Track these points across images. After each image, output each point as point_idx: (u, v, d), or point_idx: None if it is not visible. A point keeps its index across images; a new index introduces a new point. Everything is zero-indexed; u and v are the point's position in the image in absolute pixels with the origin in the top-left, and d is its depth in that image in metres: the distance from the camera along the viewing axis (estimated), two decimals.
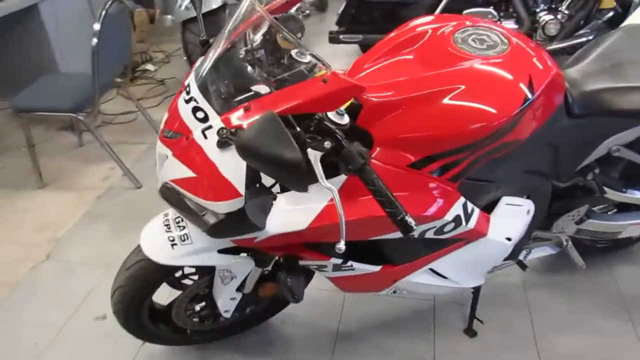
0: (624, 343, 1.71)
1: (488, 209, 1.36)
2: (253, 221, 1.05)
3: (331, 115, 1.03)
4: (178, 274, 1.51)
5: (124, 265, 1.38)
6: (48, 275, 2.10)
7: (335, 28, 3.61)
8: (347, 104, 1.11)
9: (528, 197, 1.42)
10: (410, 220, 0.94)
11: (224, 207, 1.02)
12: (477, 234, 1.31)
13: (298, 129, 1.05)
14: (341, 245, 0.98)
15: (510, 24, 3.51)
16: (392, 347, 1.75)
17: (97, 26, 2.27)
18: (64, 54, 3.22)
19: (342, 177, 1.12)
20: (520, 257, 1.76)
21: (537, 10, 3.43)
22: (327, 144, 1.03)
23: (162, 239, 1.28)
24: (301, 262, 1.29)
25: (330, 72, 0.97)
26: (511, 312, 1.85)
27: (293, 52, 1.19)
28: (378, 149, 1.14)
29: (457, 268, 1.40)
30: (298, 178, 0.83)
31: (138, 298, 1.39)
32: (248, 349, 1.76)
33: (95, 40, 2.27)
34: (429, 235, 1.24)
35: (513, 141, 1.21)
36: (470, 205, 1.25)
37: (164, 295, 1.54)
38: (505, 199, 1.37)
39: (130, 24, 3.04)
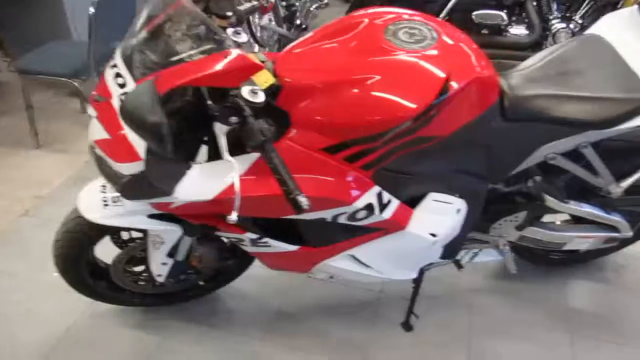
0: (556, 355, 1.70)
1: (416, 203, 1.38)
2: (158, 186, 1.10)
3: (245, 92, 1.07)
4: (126, 235, 1.59)
5: (64, 220, 1.47)
6: (24, 228, 2.23)
7: None
8: (269, 84, 1.15)
9: (461, 197, 1.43)
10: (302, 199, 0.99)
11: (126, 169, 1.08)
12: (395, 225, 1.33)
13: (209, 102, 1.11)
14: (232, 217, 1.03)
15: (521, 29, 3.45)
16: (328, 332, 1.79)
17: None
18: (77, 22, 3.34)
19: (257, 154, 1.17)
20: (466, 259, 1.77)
21: (551, 17, 3.36)
22: (233, 119, 1.08)
23: (96, 199, 1.36)
24: (220, 234, 1.35)
25: (231, 49, 1.01)
26: (453, 312, 1.86)
27: (229, 31, 1.24)
28: (294, 130, 1.18)
29: (379, 258, 1.42)
30: (160, 140, 0.88)
31: (74, 253, 1.48)
32: (193, 317, 1.83)
33: (92, 9, 2.37)
34: (342, 220, 1.27)
35: (431, 137, 1.22)
36: (387, 196, 1.28)
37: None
38: (433, 195, 1.38)
39: None
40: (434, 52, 1.19)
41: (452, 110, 1.20)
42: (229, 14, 1.19)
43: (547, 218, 1.70)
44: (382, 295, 1.93)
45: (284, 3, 3.67)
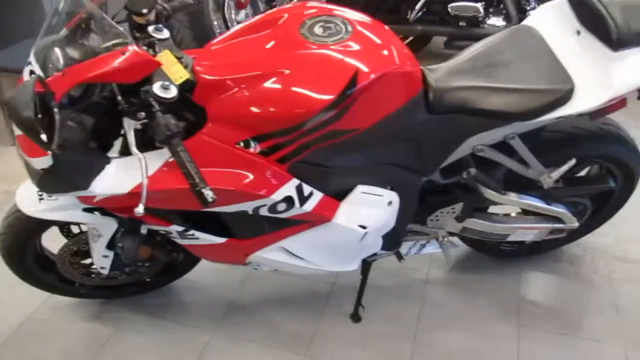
0: (501, 347, 1.71)
1: (345, 195, 1.39)
2: (70, 180, 1.14)
3: (156, 88, 1.09)
4: (76, 228, 1.63)
5: (5, 214, 1.51)
6: None
7: None
8: (183, 79, 1.18)
9: (392, 189, 1.45)
10: (207, 192, 1.01)
11: (37, 163, 1.11)
12: (319, 218, 1.35)
13: (119, 97, 1.13)
14: (139, 209, 1.06)
15: (499, 21, 3.43)
16: (278, 323, 1.81)
17: None
18: None
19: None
20: (414, 251, 1.79)
21: (528, 8, 3.34)
22: (141, 115, 1.10)
23: (32, 192, 1.39)
24: (148, 227, 1.38)
25: (129, 45, 1.03)
26: (403, 304, 1.87)
27: (150, 29, 1.26)
28: (210, 124, 1.20)
29: (310, 250, 1.44)
30: (32, 135, 0.92)
31: (17, 246, 1.52)
32: (146, 309, 1.87)
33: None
34: (264, 212, 1.29)
35: (348, 129, 1.24)
36: (307, 189, 1.29)
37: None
38: (361, 188, 1.39)
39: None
40: (346, 46, 1.20)
41: (366, 103, 1.21)
42: (144, 11, 1.21)
43: (500, 210, 1.71)
44: (334, 287, 1.95)
45: None
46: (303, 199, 1.29)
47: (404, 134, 1.35)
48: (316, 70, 1.17)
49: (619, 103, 1.37)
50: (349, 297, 1.88)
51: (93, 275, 1.72)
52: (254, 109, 1.16)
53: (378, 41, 1.25)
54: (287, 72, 1.15)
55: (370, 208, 1.42)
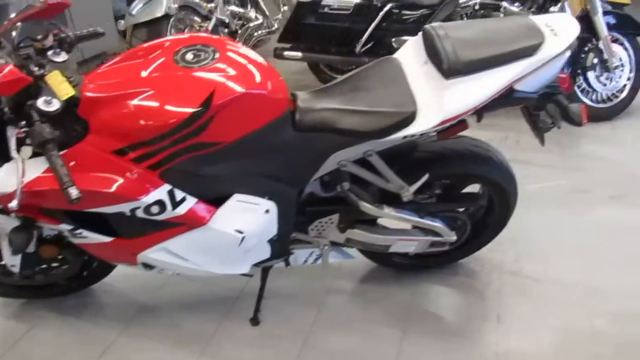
0: (382, 348, 1.84)
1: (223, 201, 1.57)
2: None
3: (40, 102, 1.28)
4: None
5: None
6: None
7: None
8: (69, 95, 1.37)
9: (270, 199, 1.61)
10: (72, 192, 1.19)
11: None
12: (193, 221, 1.52)
13: (6, 109, 1.32)
14: (13, 204, 1.23)
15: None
16: (182, 324, 1.96)
17: None
18: None
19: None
20: (311, 260, 1.94)
21: None
22: (22, 124, 1.29)
23: None
24: (42, 225, 1.55)
25: (5, 65, 1.23)
26: (302, 309, 2.01)
27: (49, 52, 1.46)
28: (91, 135, 1.38)
29: (190, 251, 1.60)
30: None
31: None
32: (63, 309, 2.02)
33: None
34: (140, 214, 1.46)
35: (214, 142, 1.41)
36: (180, 194, 1.47)
37: None
38: (237, 196, 1.57)
39: None
40: (211, 69, 1.40)
41: (227, 120, 1.39)
42: (39, 37, 1.41)
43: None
44: (242, 293, 2.09)
45: None
46: (175, 203, 1.46)
47: (272, 149, 1.52)
48: (178, 89, 1.36)
49: (460, 126, 1.56)
50: (254, 303, 2.03)
51: (13, 275, 1.87)
52: (125, 122, 1.35)
53: (242, 65, 1.44)
54: (152, 91, 1.34)
55: (247, 215, 1.59)
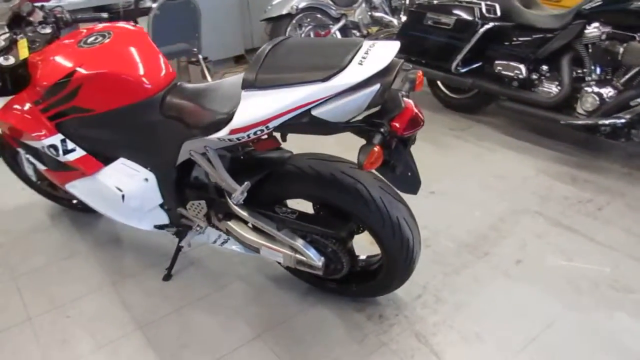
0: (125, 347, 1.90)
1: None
2: None
3: (1, 59, 1.87)
4: None
5: None
6: None
7: None
8: (24, 57, 1.92)
9: (151, 170, 1.88)
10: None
11: None
12: (81, 169, 1.90)
13: None
14: None
15: (551, 88, 3.09)
16: (122, 259, 2.38)
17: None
18: None
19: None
20: (218, 244, 2.09)
21: (588, 79, 2.93)
22: None
23: None
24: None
25: None
26: (205, 284, 2.19)
27: (39, 27, 2.04)
28: (29, 86, 1.92)
29: (90, 195, 2.00)
30: None
31: None
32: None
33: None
34: (46, 152, 1.92)
35: (87, 109, 1.77)
36: (71, 144, 1.88)
37: None
38: (122, 160, 1.90)
39: None
40: (91, 50, 1.74)
41: (95, 91, 1.73)
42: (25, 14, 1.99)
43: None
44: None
45: None
46: (66, 151, 1.88)
47: (141, 127, 1.78)
48: (59, 61, 1.76)
49: (269, 142, 1.51)
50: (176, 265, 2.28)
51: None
52: (37, 80, 1.83)
53: (122, 51, 1.74)
54: (53, 62, 1.78)
55: (127, 178, 1.89)
